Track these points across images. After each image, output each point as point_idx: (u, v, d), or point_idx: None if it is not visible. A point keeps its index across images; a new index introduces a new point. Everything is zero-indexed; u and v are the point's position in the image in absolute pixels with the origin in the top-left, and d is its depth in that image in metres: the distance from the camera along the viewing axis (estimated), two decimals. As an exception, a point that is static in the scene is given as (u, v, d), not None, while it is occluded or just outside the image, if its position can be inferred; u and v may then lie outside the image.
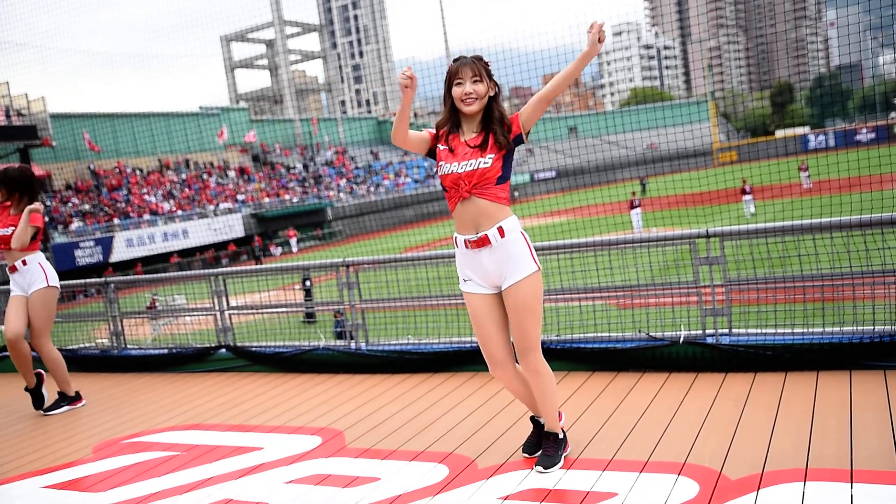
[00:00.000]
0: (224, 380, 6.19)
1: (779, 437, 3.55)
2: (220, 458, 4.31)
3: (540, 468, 3.53)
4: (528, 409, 3.88)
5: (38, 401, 5.89)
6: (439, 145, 3.48)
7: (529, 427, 4.11)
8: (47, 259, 5.94)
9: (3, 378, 7.30)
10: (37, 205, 5.63)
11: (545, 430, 3.66)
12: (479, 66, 3.38)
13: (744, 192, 26.67)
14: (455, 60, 3.42)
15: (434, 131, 3.53)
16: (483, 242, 3.42)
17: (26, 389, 5.89)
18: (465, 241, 3.47)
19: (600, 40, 3.25)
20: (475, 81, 3.37)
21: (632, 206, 26.20)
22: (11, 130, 32.99)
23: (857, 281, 4.48)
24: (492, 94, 3.44)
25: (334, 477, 3.81)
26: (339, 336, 7.40)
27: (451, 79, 3.40)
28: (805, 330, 4.59)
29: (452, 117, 3.47)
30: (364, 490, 3.60)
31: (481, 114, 3.44)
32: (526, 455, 3.73)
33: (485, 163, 3.36)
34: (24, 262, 5.72)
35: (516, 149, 3.52)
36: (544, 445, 3.63)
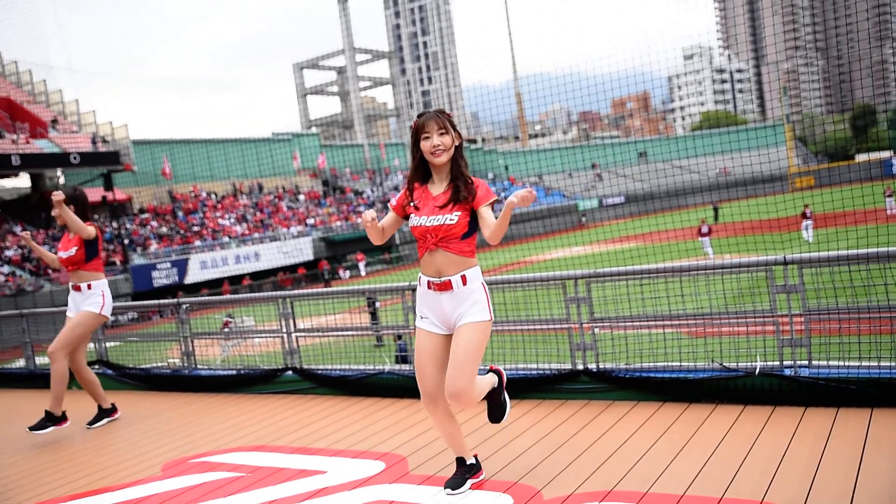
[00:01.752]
0: (290, 402, 6.24)
1: (864, 478, 3.34)
2: (284, 480, 4.31)
3: (449, 489, 3.73)
4: (453, 450, 3.92)
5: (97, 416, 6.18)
6: (410, 202, 3.64)
7: (596, 460, 4.01)
8: (125, 280, 6.18)
9: (78, 394, 7.52)
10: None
11: (458, 456, 3.86)
12: (443, 119, 3.56)
13: (804, 216, 26.22)
14: (419, 116, 3.59)
15: (397, 202, 3.70)
16: (446, 287, 3.56)
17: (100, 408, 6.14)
18: (428, 281, 3.61)
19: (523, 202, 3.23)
20: (441, 134, 3.54)
21: (700, 234, 25.51)
22: (97, 157, 34.54)
23: (949, 312, 4.21)
24: (457, 143, 3.61)
25: (397, 503, 3.76)
26: (402, 360, 7.39)
27: (418, 133, 3.58)
28: (893, 364, 4.33)
29: (422, 170, 3.64)
30: (426, 518, 3.54)
31: (449, 164, 3.59)
32: (446, 488, 3.77)
33: (450, 220, 3.52)
34: (90, 287, 5.96)
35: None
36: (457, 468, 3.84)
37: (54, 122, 35.98)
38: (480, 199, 3.54)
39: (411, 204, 3.64)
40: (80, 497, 4.43)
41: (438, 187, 3.61)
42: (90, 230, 5.87)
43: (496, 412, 3.89)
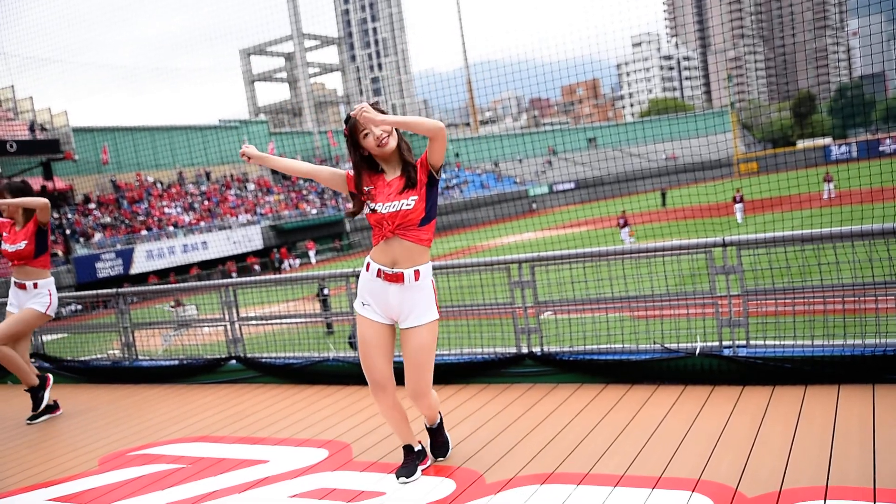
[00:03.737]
0: (234, 391, 6.14)
1: (798, 454, 3.41)
2: (225, 470, 4.24)
3: (403, 479, 3.71)
4: (400, 438, 3.90)
5: (34, 404, 5.95)
6: (364, 186, 3.52)
7: (539, 442, 4.04)
8: (68, 271, 5.98)
9: (12, 390, 7.29)
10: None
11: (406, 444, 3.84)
12: (371, 108, 3.38)
13: (735, 200, 27.70)
14: (346, 121, 3.46)
15: (350, 173, 3.58)
16: (397, 279, 3.50)
17: (26, 391, 5.95)
18: (378, 269, 3.53)
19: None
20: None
21: (619, 225, 25.70)
22: (35, 144, 33.50)
23: (879, 291, 4.33)
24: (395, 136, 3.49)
25: (340, 491, 3.72)
26: (354, 346, 7.31)
27: (356, 134, 3.44)
28: (826, 342, 4.44)
29: (370, 165, 3.53)
30: (369, 505, 3.51)
31: (398, 151, 3.48)
32: (397, 476, 3.74)
33: (407, 205, 3.44)
34: (36, 286, 5.76)
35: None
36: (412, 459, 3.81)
37: (-11, 108, 34.80)
38: (423, 157, 3.47)
39: (366, 189, 3.51)
40: (14, 494, 4.28)
41: (391, 174, 3.51)
42: (43, 201, 5.63)
43: (442, 448, 3.96)
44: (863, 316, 4.49)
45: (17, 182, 5.79)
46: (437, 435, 3.96)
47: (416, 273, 3.51)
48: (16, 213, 5.74)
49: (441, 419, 3.97)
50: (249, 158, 3.60)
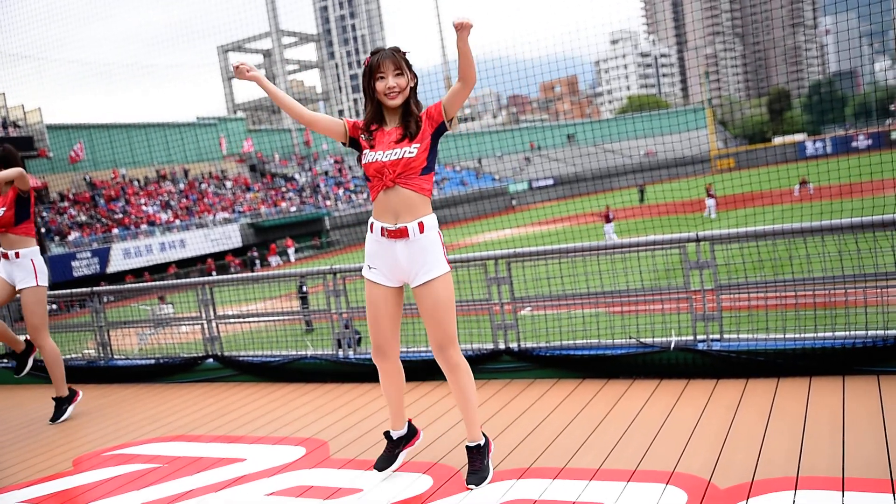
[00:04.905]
0: (211, 390, 6.11)
1: (770, 445, 3.47)
2: (201, 469, 4.22)
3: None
4: (391, 419, 3.79)
5: (19, 367, 5.91)
6: (362, 135, 3.45)
7: (516, 437, 4.05)
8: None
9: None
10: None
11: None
12: (399, 59, 3.35)
13: (709, 195, 28.02)
14: (373, 53, 3.39)
15: (352, 121, 3.50)
16: (401, 234, 3.39)
17: (13, 354, 5.90)
18: (381, 228, 3.42)
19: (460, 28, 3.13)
20: (397, 75, 3.35)
21: (607, 220, 25.92)
22: (7, 142, 32.96)
23: (849, 285, 4.40)
24: (412, 84, 3.42)
25: (317, 488, 3.72)
26: (350, 344, 7.16)
27: (373, 73, 3.35)
28: (797, 335, 4.51)
29: (377, 110, 3.44)
30: (347, 501, 3.51)
31: (402, 107, 3.41)
32: (377, 469, 3.68)
33: (410, 152, 3.34)
34: (18, 255, 5.58)
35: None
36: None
37: (-40, 105, 34.23)
38: (436, 106, 3.39)
39: (364, 137, 3.43)
40: (-15, 495, 4.24)
41: (391, 123, 3.43)
42: (15, 171, 5.44)
43: (475, 476, 3.51)
44: (833, 309, 4.57)
45: (3, 150, 5.64)
46: (476, 458, 3.56)
47: (420, 225, 3.38)
48: (1, 182, 5.60)
49: (487, 441, 3.63)
50: (244, 74, 3.40)
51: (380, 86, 3.34)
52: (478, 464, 3.54)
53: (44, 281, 5.70)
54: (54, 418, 5.73)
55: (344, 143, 3.53)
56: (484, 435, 3.64)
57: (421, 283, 3.43)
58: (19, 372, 5.91)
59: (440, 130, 3.40)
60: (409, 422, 3.84)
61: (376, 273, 3.50)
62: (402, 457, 3.77)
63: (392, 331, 3.55)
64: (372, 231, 3.48)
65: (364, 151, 3.42)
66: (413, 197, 3.38)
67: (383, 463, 3.73)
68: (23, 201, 5.58)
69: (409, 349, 5.68)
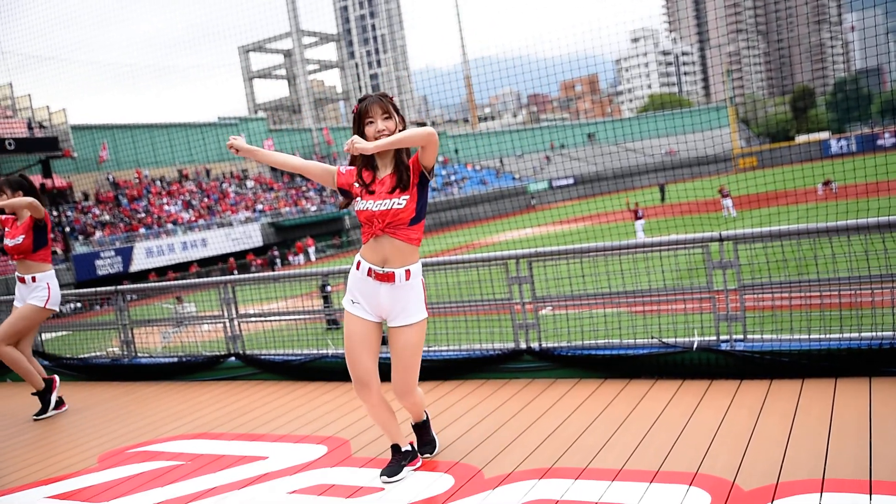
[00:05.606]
0: (233, 388, 6.15)
1: (795, 447, 3.43)
2: (224, 467, 4.25)
3: (385, 477, 3.69)
4: (388, 437, 3.90)
5: (42, 407, 5.95)
6: (354, 182, 3.54)
7: (538, 437, 4.05)
8: (67, 269, 5.96)
9: (11, 387, 7.31)
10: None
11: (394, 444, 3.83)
12: (386, 103, 3.45)
13: (723, 195, 28.28)
14: (360, 101, 3.48)
15: (343, 170, 3.59)
16: (388, 278, 3.50)
17: (33, 394, 5.96)
18: (370, 269, 3.53)
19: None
20: (385, 118, 3.44)
21: (636, 217, 26.03)
22: (33, 142, 33.43)
23: (875, 285, 4.34)
24: (400, 128, 3.49)
25: (339, 487, 3.73)
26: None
27: (362, 119, 3.46)
28: (823, 336, 4.45)
29: (369, 156, 3.50)
30: (368, 500, 3.52)
31: (393, 151, 3.48)
32: (384, 476, 3.73)
33: (398, 204, 3.43)
34: (34, 279, 5.79)
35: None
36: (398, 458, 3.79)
37: (-14, 107, 34.74)
38: (413, 159, 3.47)
39: (356, 185, 3.52)
40: (14, 491, 4.29)
41: (383, 172, 3.51)
42: (26, 201, 5.61)
43: (429, 446, 3.99)
44: (859, 309, 4.51)
45: (16, 178, 5.80)
46: (424, 433, 3.99)
47: (407, 273, 3.52)
48: (17, 209, 5.76)
49: (427, 417, 4.00)
50: (238, 151, 3.62)
51: (369, 130, 3.43)
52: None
53: (52, 305, 5.89)
54: (38, 413, 5.86)
55: (334, 190, 3.63)
56: (411, 445, 3.90)
57: (398, 326, 3.57)
58: (41, 414, 5.97)
59: (423, 181, 3.49)
60: (412, 444, 3.93)
61: (358, 307, 3.61)
62: (406, 472, 3.77)
63: (372, 362, 3.63)
64: (359, 269, 3.58)
65: (356, 199, 3.52)
66: (402, 246, 3.49)
67: (389, 472, 3.75)
68: (40, 229, 5.76)
69: (431, 348, 5.68)
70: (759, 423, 3.79)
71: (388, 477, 3.69)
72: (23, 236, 5.72)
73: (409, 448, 3.87)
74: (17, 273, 5.87)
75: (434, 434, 4.05)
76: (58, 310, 5.99)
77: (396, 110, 3.48)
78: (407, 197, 3.43)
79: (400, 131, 3.46)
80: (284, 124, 71.18)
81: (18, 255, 5.77)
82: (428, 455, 3.95)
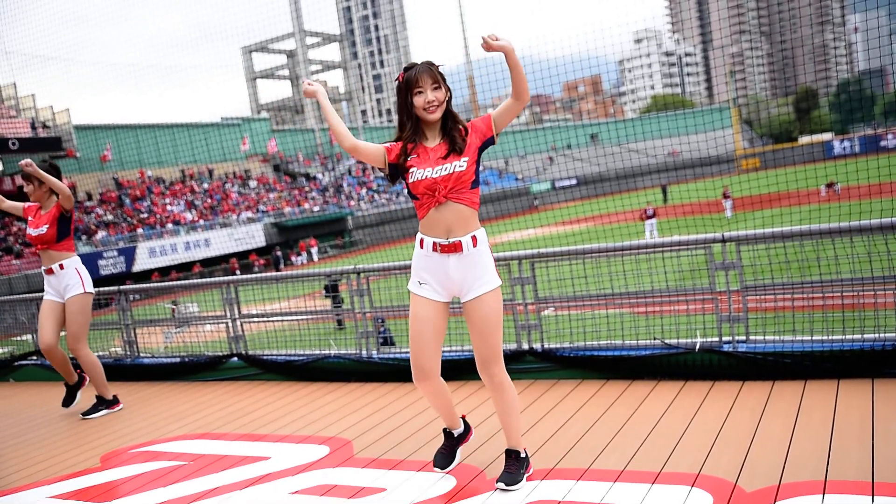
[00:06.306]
0: (235, 388, 6.16)
1: (797, 448, 3.43)
2: (227, 467, 4.25)
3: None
4: (445, 422, 3.79)
5: (68, 398, 5.97)
6: (402, 157, 3.37)
7: (540, 438, 4.04)
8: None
9: (17, 387, 7.33)
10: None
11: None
12: (435, 72, 3.30)
13: (725, 196, 28.46)
14: (407, 69, 3.33)
15: (390, 146, 3.41)
16: (455, 248, 3.34)
17: (66, 385, 6.00)
18: (434, 243, 3.37)
19: (486, 47, 3.17)
20: (435, 88, 3.29)
21: (646, 217, 26.05)
22: (37, 142, 33.54)
23: (879, 287, 4.34)
24: (448, 97, 3.36)
25: (341, 487, 3.74)
26: (384, 343, 7.21)
27: (410, 88, 3.28)
28: (825, 337, 4.45)
29: (416, 127, 3.38)
30: (370, 501, 3.53)
31: (440, 120, 3.36)
32: (437, 469, 3.68)
33: (460, 166, 3.29)
34: (62, 267, 5.70)
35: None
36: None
37: (-9, 107, 34.82)
38: (485, 119, 3.37)
39: (408, 157, 3.35)
40: (17, 491, 4.31)
41: (433, 142, 3.37)
42: (67, 191, 5.64)
43: (512, 477, 3.48)
44: (862, 311, 4.51)
45: (50, 162, 5.81)
46: (511, 463, 3.52)
47: (474, 239, 3.35)
48: (43, 198, 5.73)
49: (527, 457, 3.59)
50: (311, 95, 3.45)
51: (419, 101, 3.28)
52: (513, 468, 3.49)
53: (90, 287, 5.81)
54: (88, 412, 5.87)
55: (381, 170, 3.45)
56: (525, 452, 3.59)
57: (473, 297, 3.39)
58: (67, 404, 5.99)
59: (487, 144, 3.38)
60: (464, 418, 3.84)
61: (426, 288, 3.44)
62: (460, 454, 3.76)
63: (436, 350, 3.48)
64: (423, 247, 3.42)
65: (411, 170, 3.34)
66: (465, 211, 3.34)
67: (442, 460, 3.71)
68: (65, 220, 5.71)
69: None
70: (761, 424, 3.79)
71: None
72: (47, 226, 5.64)
73: (461, 430, 3.77)
74: (42, 267, 5.79)
75: (524, 480, 3.51)
76: (94, 291, 5.95)
77: (444, 79, 3.33)
78: (467, 158, 3.30)
79: (448, 101, 3.34)
80: (287, 124, 71.24)
81: (42, 245, 5.69)
82: (502, 485, 3.44)
